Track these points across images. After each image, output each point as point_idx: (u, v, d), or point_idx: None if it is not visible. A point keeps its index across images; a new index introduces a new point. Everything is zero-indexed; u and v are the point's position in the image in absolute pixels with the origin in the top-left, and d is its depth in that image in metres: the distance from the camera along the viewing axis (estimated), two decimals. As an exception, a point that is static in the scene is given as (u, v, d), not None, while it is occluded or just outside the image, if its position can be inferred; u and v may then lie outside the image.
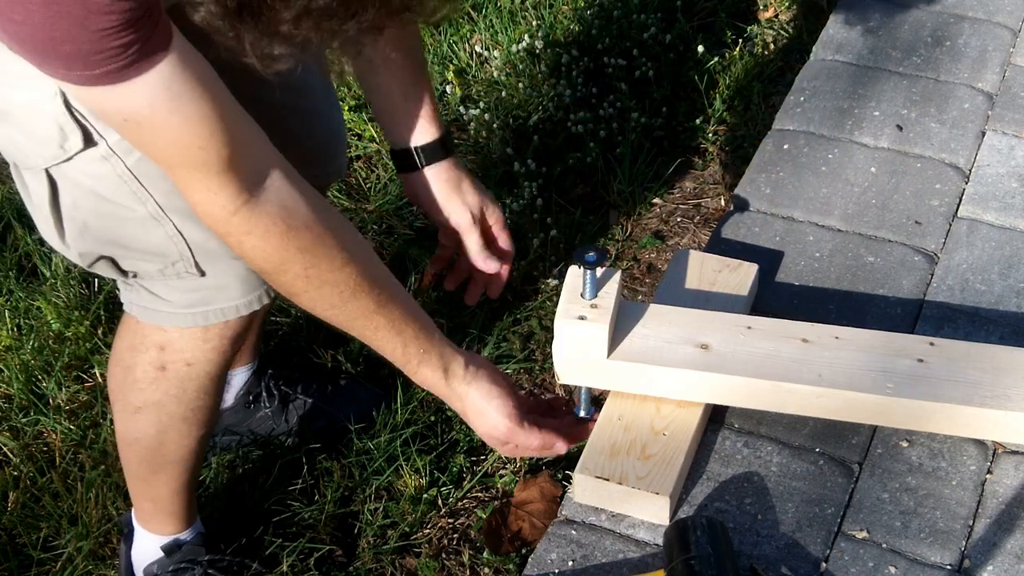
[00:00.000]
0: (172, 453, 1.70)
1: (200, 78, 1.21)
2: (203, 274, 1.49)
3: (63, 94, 1.31)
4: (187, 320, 1.55)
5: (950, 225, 2.03)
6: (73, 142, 1.35)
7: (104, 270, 1.51)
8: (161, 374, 1.60)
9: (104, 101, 1.18)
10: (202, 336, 1.57)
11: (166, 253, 1.46)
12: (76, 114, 1.33)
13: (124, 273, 1.51)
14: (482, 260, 1.76)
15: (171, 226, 1.43)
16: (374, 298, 1.42)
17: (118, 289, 1.63)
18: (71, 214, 1.43)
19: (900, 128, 2.23)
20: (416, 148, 1.70)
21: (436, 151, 1.71)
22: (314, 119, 1.78)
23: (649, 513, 1.58)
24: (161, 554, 1.82)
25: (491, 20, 3.01)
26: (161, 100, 1.18)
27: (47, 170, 1.39)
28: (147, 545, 1.84)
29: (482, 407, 1.54)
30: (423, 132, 1.70)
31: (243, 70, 1.51)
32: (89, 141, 1.35)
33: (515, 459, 2.01)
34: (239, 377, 2.09)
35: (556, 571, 1.53)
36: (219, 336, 1.58)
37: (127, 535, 1.86)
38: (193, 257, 1.47)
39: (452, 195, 1.73)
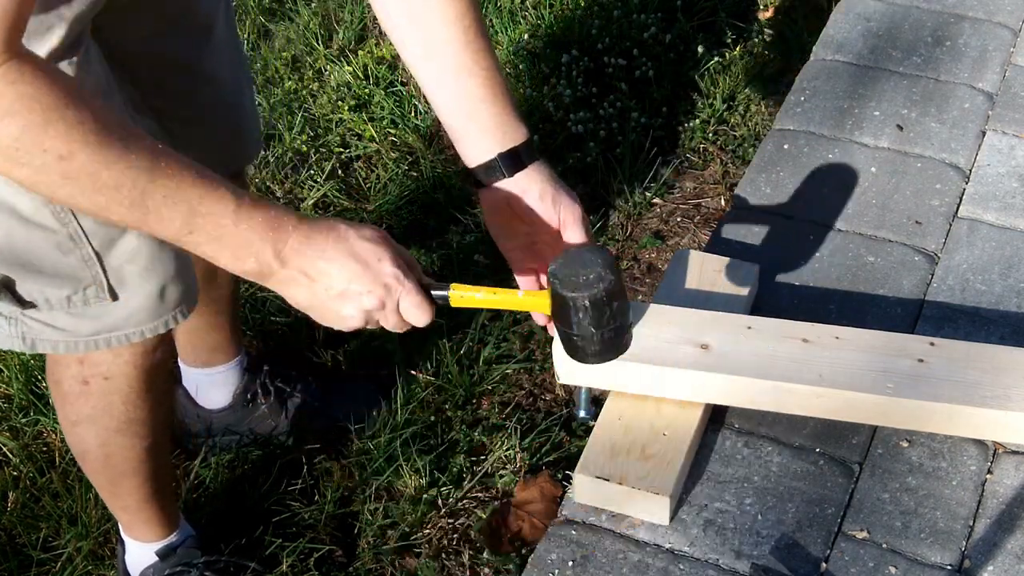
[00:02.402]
0: (121, 465, 1.68)
1: None
2: (116, 298, 1.45)
3: None
4: (88, 347, 1.49)
5: (950, 225, 2.03)
6: None
7: (5, 298, 1.42)
8: (85, 388, 1.58)
9: None
10: (112, 352, 1.54)
11: (79, 277, 1.42)
12: None
13: (22, 304, 1.44)
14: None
15: (88, 249, 1.39)
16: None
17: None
18: None
19: (900, 128, 2.22)
20: (513, 151, 1.46)
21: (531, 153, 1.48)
22: (223, 107, 1.73)
23: (649, 513, 1.58)
24: (155, 559, 1.82)
25: (491, 20, 3.01)
26: None
27: None
28: (138, 553, 1.83)
29: (343, 228, 1.28)
30: (514, 131, 1.46)
31: (153, 58, 1.48)
32: None
33: (515, 459, 2.01)
34: (229, 373, 2.08)
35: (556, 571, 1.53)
36: (131, 352, 1.55)
37: (120, 541, 1.86)
38: (107, 282, 1.43)
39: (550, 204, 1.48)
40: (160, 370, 1.62)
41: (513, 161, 1.45)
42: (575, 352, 1.43)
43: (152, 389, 1.62)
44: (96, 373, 1.57)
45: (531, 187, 1.46)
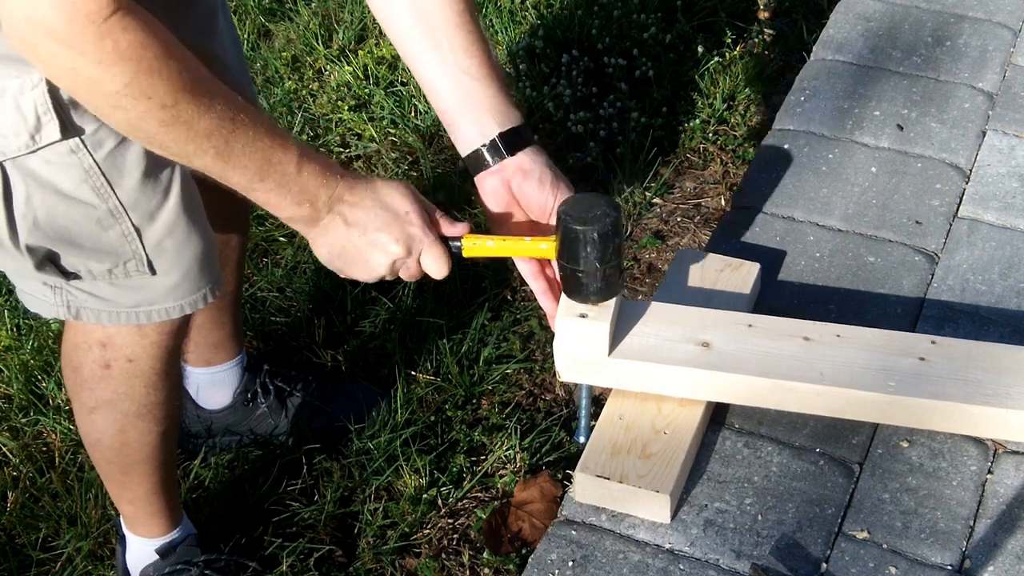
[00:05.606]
0: (136, 452, 1.69)
1: None
2: (154, 273, 1.49)
3: (49, 81, 1.30)
4: (129, 319, 1.54)
5: (950, 225, 2.02)
6: (48, 132, 1.34)
7: (49, 271, 1.47)
8: (107, 372, 1.60)
9: None
10: (139, 332, 1.56)
11: (119, 252, 1.46)
12: (59, 103, 1.32)
13: (66, 275, 1.48)
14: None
15: (128, 224, 1.43)
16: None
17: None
18: (22, 210, 1.40)
19: (900, 128, 2.22)
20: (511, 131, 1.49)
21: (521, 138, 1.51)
22: (232, 88, 1.73)
23: (650, 512, 1.57)
24: (156, 557, 1.82)
25: (491, 20, 3.01)
26: None
27: (1, 163, 1.37)
28: (140, 549, 1.83)
29: (378, 182, 1.39)
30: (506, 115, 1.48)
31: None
32: (65, 132, 1.34)
33: (515, 459, 2.01)
34: (230, 372, 2.09)
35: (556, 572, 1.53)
36: (157, 332, 1.57)
37: (121, 539, 1.86)
38: (147, 256, 1.47)
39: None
40: (178, 354, 1.65)
41: (513, 141, 1.48)
42: (579, 290, 1.50)
43: (171, 372, 1.65)
44: (119, 356, 1.58)
45: (532, 168, 1.48)
